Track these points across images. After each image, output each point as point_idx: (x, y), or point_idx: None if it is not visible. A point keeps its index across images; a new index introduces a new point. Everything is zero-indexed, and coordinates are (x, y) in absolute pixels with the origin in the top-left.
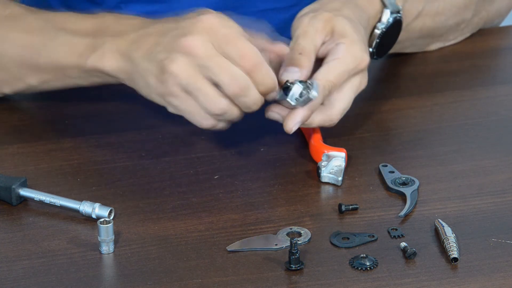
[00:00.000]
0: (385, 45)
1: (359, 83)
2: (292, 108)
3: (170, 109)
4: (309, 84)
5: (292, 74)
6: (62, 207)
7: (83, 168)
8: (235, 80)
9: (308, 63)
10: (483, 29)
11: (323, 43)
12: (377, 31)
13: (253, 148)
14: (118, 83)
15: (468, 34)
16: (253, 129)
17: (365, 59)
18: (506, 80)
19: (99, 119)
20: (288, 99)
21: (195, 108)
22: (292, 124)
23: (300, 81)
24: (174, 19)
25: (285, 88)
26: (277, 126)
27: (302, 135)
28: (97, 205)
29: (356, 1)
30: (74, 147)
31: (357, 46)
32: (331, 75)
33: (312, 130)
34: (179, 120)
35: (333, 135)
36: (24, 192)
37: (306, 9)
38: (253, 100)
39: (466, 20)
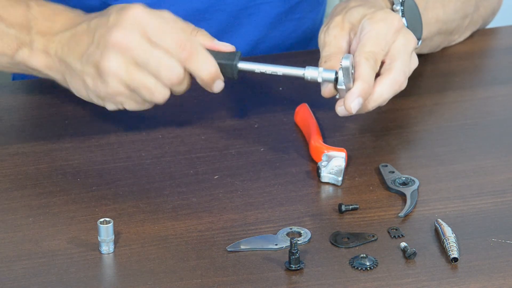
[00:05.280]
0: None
1: (405, 41)
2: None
3: (110, 107)
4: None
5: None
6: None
7: (83, 168)
8: (172, 72)
9: (337, 63)
10: (483, 29)
11: (352, 42)
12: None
13: (253, 148)
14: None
15: (468, 34)
16: (253, 129)
17: (394, 18)
18: (506, 80)
19: (99, 119)
20: (339, 87)
21: (138, 101)
22: (350, 101)
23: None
24: (102, 13)
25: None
26: (277, 126)
27: (302, 135)
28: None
29: None
30: (74, 147)
31: (379, 14)
32: (366, 47)
33: (312, 130)
34: (179, 120)
35: (333, 135)
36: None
37: (322, 27)
38: (187, 87)
39: (470, 14)
